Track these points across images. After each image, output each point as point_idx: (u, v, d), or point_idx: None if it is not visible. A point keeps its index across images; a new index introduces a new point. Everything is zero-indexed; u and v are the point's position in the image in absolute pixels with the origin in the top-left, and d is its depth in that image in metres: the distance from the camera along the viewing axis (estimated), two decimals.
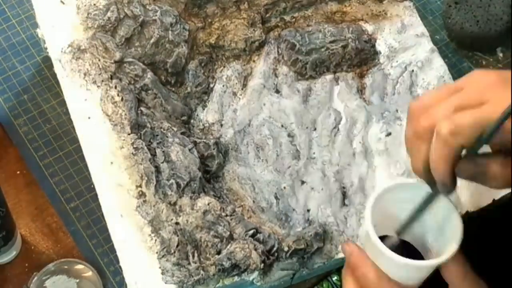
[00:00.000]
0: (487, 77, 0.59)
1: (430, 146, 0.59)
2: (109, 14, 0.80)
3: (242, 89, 0.85)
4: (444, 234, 0.65)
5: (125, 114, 0.77)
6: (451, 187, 0.60)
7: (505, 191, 0.83)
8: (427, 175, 0.61)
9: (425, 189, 0.64)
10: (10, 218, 0.79)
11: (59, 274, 0.79)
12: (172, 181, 0.74)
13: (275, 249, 0.74)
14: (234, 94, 0.84)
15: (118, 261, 0.74)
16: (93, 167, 0.76)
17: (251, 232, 0.73)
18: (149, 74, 0.79)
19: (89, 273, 0.80)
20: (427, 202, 0.63)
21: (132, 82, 0.79)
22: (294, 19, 0.89)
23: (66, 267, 0.80)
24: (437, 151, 0.58)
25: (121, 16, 0.80)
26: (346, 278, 0.65)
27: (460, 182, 0.82)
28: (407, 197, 0.65)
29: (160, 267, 0.72)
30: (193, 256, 0.72)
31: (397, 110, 0.85)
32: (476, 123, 0.56)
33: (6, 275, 0.81)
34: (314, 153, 0.82)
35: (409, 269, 0.63)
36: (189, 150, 0.77)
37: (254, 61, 0.86)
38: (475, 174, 0.59)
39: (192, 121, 0.82)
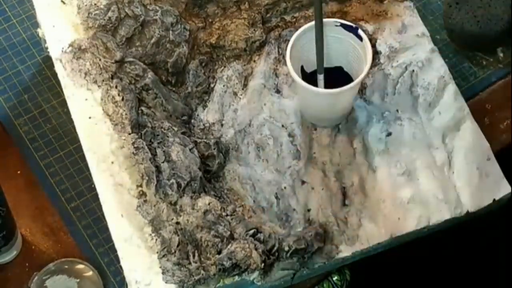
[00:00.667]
0: None
1: None
2: (109, 14, 0.80)
3: (242, 89, 0.85)
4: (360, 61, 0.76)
5: (126, 114, 0.77)
6: None
7: (505, 191, 0.83)
8: None
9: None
10: (10, 217, 0.79)
11: (59, 273, 0.79)
12: (172, 180, 0.74)
13: (275, 249, 0.74)
14: (235, 94, 0.84)
15: (118, 261, 0.74)
16: (94, 166, 0.76)
17: (251, 232, 0.73)
18: (150, 74, 0.79)
19: (90, 272, 0.80)
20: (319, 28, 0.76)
21: (133, 82, 0.79)
22: (294, 19, 0.89)
23: (66, 266, 0.80)
24: None
25: (122, 16, 0.80)
26: None
27: (460, 182, 0.82)
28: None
29: (160, 267, 0.72)
30: (194, 256, 0.72)
31: (397, 110, 0.85)
32: None
33: (7, 275, 0.81)
34: (314, 153, 0.82)
35: (323, 97, 0.75)
36: (190, 150, 0.77)
37: (254, 61, 0.86)
38: None
39: (192, 121, 0.82)
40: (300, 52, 0.77)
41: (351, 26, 0.78)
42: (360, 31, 0.78)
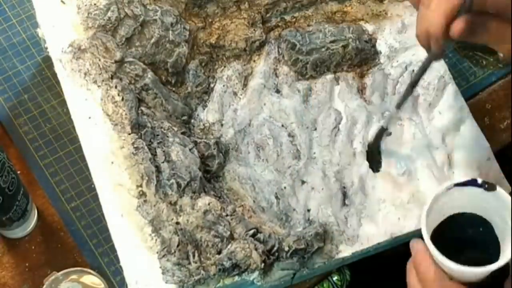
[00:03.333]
0: None
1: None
2: (109, 14, 0.80)
3: (242, 89, 0.85)
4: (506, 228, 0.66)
5: (126, 114, 0.77)
6: (441, 46, 0.67)
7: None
8: (427, 40, 0.67)
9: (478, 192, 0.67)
10: (23, 190, 0.80)
11: (75, 282, 0.79)
12: (172, 181, 0.74)
13: (275, 249, 0.74)
14: (235, 94, 0.84)
15: (118, 261, 0.74)
16: (94, 167, 0.76)
17: (251, 232, 0.73)
18: (150, 74, 0.79)
19: (101, 286, 0.79)
20: (424, 67, 0.72)
21: (133, 82, 0.79)
22: (294, 19, 0.89)
23: (82, 279, 0.79)
24: (438, 6, 0.64)
25: (122, 16, 0.80)
26: (411, 270, 0.68)
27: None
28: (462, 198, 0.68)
29: (160, 267, 0.72)
30: (194, 256, 0.72)
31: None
32: None
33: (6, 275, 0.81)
34: (314, 153, 0.82)
35: (465, 274, 0.65)
36: (190, 150, 0.77)
37: (254, 61, 0.86)
38: (470, 33, 0.65)
39: (192, 121, 0.82)
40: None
41: (469, 181, 0.68)
42: (479, 181, 0.67)
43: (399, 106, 0.79)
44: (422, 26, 0.67)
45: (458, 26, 0.65)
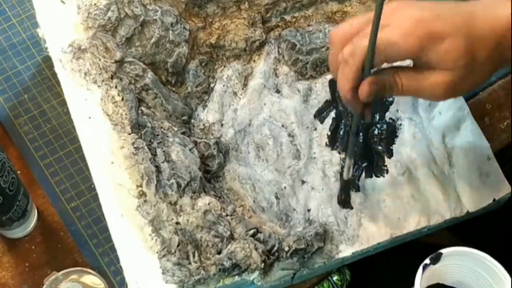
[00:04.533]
0: (394, 3, 0.64)
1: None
2: (109, 13, 0.80)
3: (242, 89, 0.85)
4: None
5: (126, 114, 0.77)
6: (358, 106, 0.68)
7: (505, 191, 0.83)
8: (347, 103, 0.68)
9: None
10: (23, 189, 0.80)
11: (74, 282, 0.79)
12: (172, 181, 0.74)
13: (275, 248, 0.74)
14: (235, 94, 0.84)
15: (118, 261, 0.74)
16: (94, 166, 0.76)
17: (251, 231, 0.73)
18: (150, 74, 0.79)
19: (101, 286, 0.79)
20: (356, 125, 0.72)
21: (133, 82, 0.79)
22: (294, 19, 0.89)
23: (82, 279, 0.79)
24: (341, 72, 0.65)
25: (122, 16, 0.80)
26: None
27: (460, 182, 0.82)
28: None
29: (160, 267, 0.72)
30: (194, 256, 0.72)
31: (397, 110, 0.85)
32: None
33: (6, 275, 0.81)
34: (314, 153, 0.82)
35: None
36: (190, 150, 0.77)
37: (254, 61, 0.86)
38: (379, 90, 0.65)
39: (192, 121, 0.82)
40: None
41: None
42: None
43: (351, 155, 0.76)
44: (340, 92, 0.68)
45: (363, 91, 0.65)
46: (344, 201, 0.79)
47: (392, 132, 0.84)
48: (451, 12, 0.63)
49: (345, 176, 0.78)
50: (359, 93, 0.65)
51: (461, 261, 0.74)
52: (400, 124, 0.85)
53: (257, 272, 0.73)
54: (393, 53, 0.63)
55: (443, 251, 0.73)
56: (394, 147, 0.84)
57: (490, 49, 0.63)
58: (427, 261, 0.73)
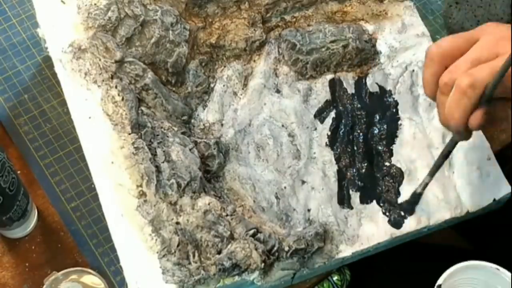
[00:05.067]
0: (500, 29, 0.64)
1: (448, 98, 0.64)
2: (109, 13, 0.80)
3: (242, 89, 0.85)
4: None
5: (126, 114, 0.77)
6: (466, 134, 0.68)
7: (505, 191, 0.83)
8: (449, 127, 0.68)
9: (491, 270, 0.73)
10: (23, 190, 0.80)
11: (74, 282, 0.79)
12: (172, 180, 0.74)
13: (275, 248, 0.74)
14: (235, 94, 0.84)
15: (118, 261, 0.74)
16: (94, 166, 0.76)
17: (251, 231, 0.73)
18: (150, 74, 0.79)
19: (101, 286, 0.79)
20: (450, 148, 0.73)
21: (133, 81, 0.79)
22: (294, 19, 0.89)
23: (82, 279, 0.79)
24: (455, 102, 0.64)
25: (122, 16, 0.80)
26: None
27: (460, 182, 0.82)
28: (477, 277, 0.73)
29: (160, 267, 0.72)
30: (194, 256, 0.72)
31: (397, 110, 0.85)
32: (493, 75, 0.61)
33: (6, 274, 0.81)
34: (314, 153, 0.82)
35: None
36: (190, 150, 0.77)
37: (254, 61, 0.86)
38: (488, 121, 0.65)
39: (192, 120, 0.82)
40: None
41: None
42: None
43: (432, 174, 0.78)
44: (443, 115, 0.67)
45: (476, 121, 0.65)
46: (407, 210, 0.80)
47: (392, 132, 0.84)
48: None
49: (418, 190, 0.79)
50: (473, 122, 0.65)
51: (474, 275, 0.74)
52: (400, 124, 0.85)
53: (257, 272, 0.73)
54: (509, 88, 0.63)
55: (453, 268, 0.73)
56: (394, 147, 0.84)
57: None
58: (439, 281, 0.72)
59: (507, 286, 0.72)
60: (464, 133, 0.67)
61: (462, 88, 0.63)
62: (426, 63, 0.68)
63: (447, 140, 0.84)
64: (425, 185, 0.78)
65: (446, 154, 0.74)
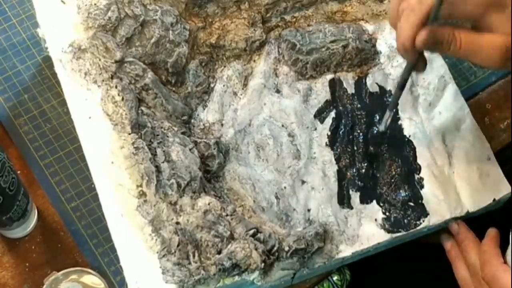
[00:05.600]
0: None
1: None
2: (109, 13, 0.80)
3: (242, 89, 0.85)
4: None
5: (126, 114, 0.77)
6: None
7: (505, 191, 0.83)
8: (404, 53, 0.70)
9: None
10: (23, 190, 0.80)
11: (74, 282, 0.79)
12: (172, 180, 0.74)
13: (275, 248, 0.74)
14: (235, 94, 0.84)
15: (118, 261, 0.74)
16: (94, 166, 0.76)
17: (251, 231, 0.73)
18: (150, 74, 0.79)
19: (101, 285, 0.79)
20: (405, 77, 0.74)
21: (133, 81, 0.79)
22: (294, 19, 0.89)
23: (82, 279, 0.79)
24: (405, 18, 0.66)
25: (122, 16, 0.80)
26: (458, 261, 0.74)
27: (460, 182, 0.82)
28: None
29: (160, 267, 0.72)
30: (194, 256, 0.72)
31: (397, 110, 0.85)
32: None
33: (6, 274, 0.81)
34: (314, 153, 0.82)
35: None
36: (190, 149, 0.77)
37: (254, 61, 0.86)
38: (436, 42, 0.67)
39: (192, 120, 0.82)
40: None
41: None
42: None
43: (392, 107, 0.79)
44: (398, 39, 0.69)
45: (420, 37, 0.67)
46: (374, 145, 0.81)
47: (392, 132, 0.84)
48: None
49: (381, 127, 0.80)
50: (417, 39, 0.67)
51: None
52: (400, 124, 0.85)
53: (257, 272, 0.73)
54: (459, 9, 0.65)
55: None
56: (395, 146, 0.84)
57: None
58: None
59: None
60: (411, 54, 0.69)
61: (411, 4, 0.66)
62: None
63: (447, 140, 0.84)
64: (386, 120, 0.79)
65: (402, 84, 0.75)
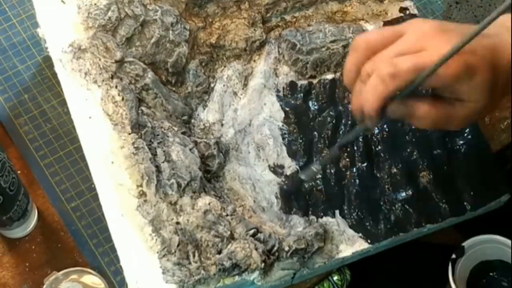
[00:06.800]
0: (426, 25, 0.64)
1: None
2: (109, 13, 0.80)
3: (242, 88, 0.85)
4: None
5: (126, 114, 0.77)
6: (375, 123, 0.66)
7: (505, 191, 0.83)
8: (361, 115, 0.66)
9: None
10: (23, 189, 0.80)
11: (74, 282, 0.79)
12: (172, 180, 0.74)
13: (275, 248, 0.74)
14: (235, 93, 0.84)
15: (118, 261, 0.74)
16: (94, 166, 0.76)
17: (251, 231, 0.73)
18: (150, 74, 0.79)
19: (102, 285, 0.79)
20: (354, 136, 0.72)
21: (133, 81, 0.79)
22: (294, 19, 0.89)
23: (82, 279, 0.79)
24: (373, 88, 0.63)
25: (122, 16, 0.80)
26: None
27: (460, 182, 0.82)
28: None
29: (160, 267, 0.72)
30: (194, 256, 0.72)
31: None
32: (415, 68, 0.61)
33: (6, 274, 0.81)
34: (314, 153, 0.82)
35: None
36: (190, 149, 0.77)
37: (254, 60, 0.86)
38: (405, 114, 0.65)
39: (192, 120, 0.82)
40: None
41: None
42: None
43: (323, 163, 0.76)
44: (358, 102, 0.65)
45: (394, 109, 0.64)
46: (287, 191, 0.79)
47: (392, 132, 0.84)
48: (481, 45, 0.62)
49: (303, 176, 0.76)
50: (391, 110, 0.64)
51: (487, 249, 0.77)
52: (400, 124, 0.85)
53: (257, 272, 0.73)
54: (430, 79, 0.62)
55: (465, 243, 0.77)
56: (395, 147, 0.84)
57: (507, 82, 0.64)
58: (453, 256, 0.74)
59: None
60: (373, 121, 0.66)
61: (382, 75, 0.63)
62: (350, 52, 0.67)
63: (447, 139, 0.84)
64: (312, 173, 0.75)
65: (344, 145, 0.72)
